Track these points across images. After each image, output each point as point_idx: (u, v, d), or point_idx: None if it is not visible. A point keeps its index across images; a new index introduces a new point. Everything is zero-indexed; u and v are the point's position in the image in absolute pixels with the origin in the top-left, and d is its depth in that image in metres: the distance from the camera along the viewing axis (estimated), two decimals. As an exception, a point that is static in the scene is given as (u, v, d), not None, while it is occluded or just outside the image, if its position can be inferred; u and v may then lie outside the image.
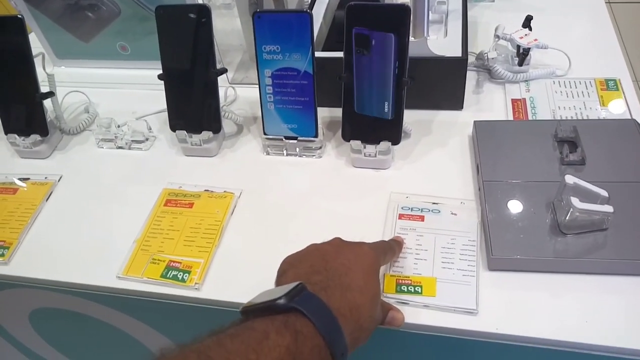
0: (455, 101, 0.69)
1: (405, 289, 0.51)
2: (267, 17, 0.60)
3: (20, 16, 0.65)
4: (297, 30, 0.59)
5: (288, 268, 0.44)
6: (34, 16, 0.82)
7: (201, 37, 0.63)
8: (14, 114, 0.71)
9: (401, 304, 0.50)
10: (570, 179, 0.51)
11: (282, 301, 0.37)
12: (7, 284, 0.61)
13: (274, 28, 0.60)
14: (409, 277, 0.52)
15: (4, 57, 0.67)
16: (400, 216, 0.58)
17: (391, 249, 0.51)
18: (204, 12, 0.62)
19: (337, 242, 0.46)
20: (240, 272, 0.55)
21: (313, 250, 0.45)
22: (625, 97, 0.68)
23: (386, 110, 0.60)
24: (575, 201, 0.49)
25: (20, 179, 0.69)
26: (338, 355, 0.37)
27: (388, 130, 0.62)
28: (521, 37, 0.70)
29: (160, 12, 0.63)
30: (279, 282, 0.43)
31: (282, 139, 0.66)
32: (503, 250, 0.51)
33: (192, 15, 0.62)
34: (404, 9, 0.56)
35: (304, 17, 0.58)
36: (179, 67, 0.65)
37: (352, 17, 0.57)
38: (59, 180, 0.69)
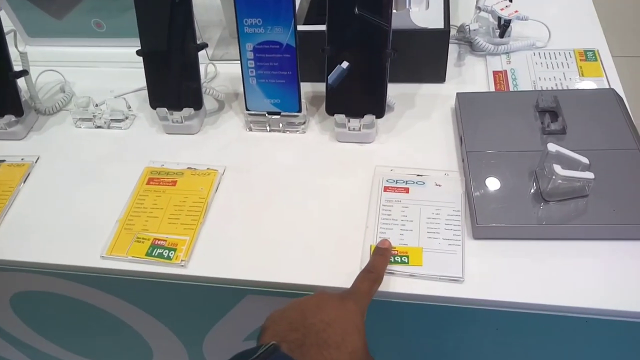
0: (437, 74, 0.69)
1: (392, 259, 0.52)
2: (247, -10, 0.58)
3: (-12, -9, 0.63)
4: (279, 3, 0.58)
5: (269, 325, 0.42)
6: (3, -8, 0.79)
7: (180, 12, 0.61)
8: (-14, 93, 0.69)
9: (388, 274, 0.51)
10: (552, 146, 0.52)
11: None
12: (-14, 268, 0.59)
13: (255, 1, 0.59)
14: (395, 248, 0.53)
15: (-27, 35, 0.65)
16: (385, 189, 0.58)
17: (376, 280, 0.48)
18: (182, -15, 0.60)
19: (320, 298, 0.44)
20: (226, 248, 0.55)
21: (295, 306, 0.43)
22: (603, 67, 0.69)
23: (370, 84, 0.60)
24: (557, 168, 0.50)
25: (-6, 161, 0.67)
26: None
27: (372, 104, 0.61)
28: (502, 9, 0.70)
29: (137, -15, 0.61)
30: (261, 339, 0.42)
31: (264, 115, 0.66)
32: (487, 218, 0.52)
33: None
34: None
35: (285, -12, 0.57)
36: (158, 43, 0.64)
37: (334, -12, 0.57)
38: (36, 162, 0.67)
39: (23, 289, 0.63)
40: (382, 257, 0.51)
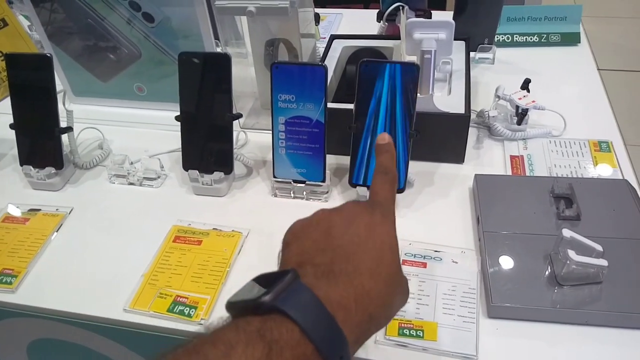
0: (456, 155, 0.73)
1: (407, 332, 0.53)
2: (284, 68, 0.64)
3: (49, 55, 0.69)
4: (312, 82, 0.63)
5: (292, 240, 0.38)
6: (56, 54, 0.86)
7: (220, 83, 0.67)
8: (32, 146, 0.73)
9: (401, 346, 0.51)
10: (567, 232, 0.53)
11: (266, 299, 0.31)
12: (11, 313, 0.61)
13: (290, 78, 0.64)
14: (411, 321, 0.54)
15: (29, 92, 0.70)
16: (404, 262, 0.60)
17: (394, 180, 0.44)
18: (225, 60, 0.66)
19: (347, 211, 0.39)
20: (246, 310, 0.56)
21: (320, 220, 0.39)
22: (617, 158, 0.71)
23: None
24: (572, 254, 0.51)
25: (31, 210, 0.71)
26: None
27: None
28: (520, 98, 0.75)
29: (183, 57, 0.67)
30: (283, 255, 0.38)
31: (290, 182, 0.69)
32: (502, 298, 0.53)
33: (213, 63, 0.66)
34: (413, 66, 0.60)
35: (319, 69, 0.62)
36: (196, 110, 0.68)
37: (365, 71, 0.62)
38: (69, 213, 0.70)
39: (43, 336, 0.64)
40: (389, 154, 0.46)
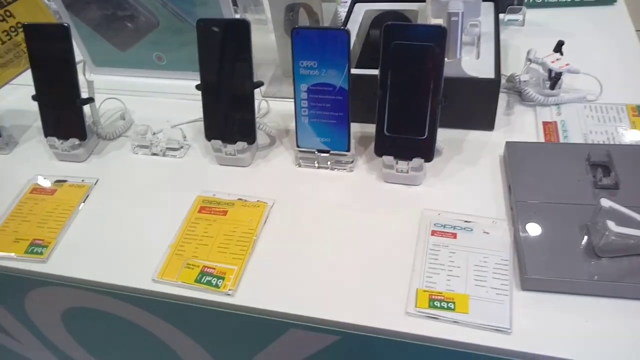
0: (486, 121, 0.70)
1: (438, 305, 0.52)
2: (305, 33, 0.61)
3: (66, 25, 0.67)
4: (334, 47, 0.61)
5: None
6: (74, 24, 0.85)
7: (240, 50, 0.65)
8: (54, 117, 0.73)
9: (432, 318, 0.51)
10: (605, 202, 0.51)
11: None
12: (44, 282, 0.62)
13: (311, 44, 0.61)
14: (441, 293, 0.53)
15: (49, 63, 0.70)
16: (433, 233, 0.58)
17: None
18: (244, 26, 0.64)
19: None
20: (273, 280, 0.56)
21: None
22: (656, 123, 0.68)
23: (421, 128, 0.61)
24: (611, 225, 0.49)
25: (58, 181, 0.71)
26: None
27: (421, 148, 0.63)
28: (553, 62, 0.71)
29: (201, 24, 0.65)
30: None
31: (314, 152, 0.67)
32: (537, 270, 0.52)
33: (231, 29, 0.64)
34: (440, 29, 0.58)
35: (342, 34, 0.60)
36: (216, 79, 0.67)
37: (390, 36, 0.59)
38: (95, 184, 0.70)
39: (75, 304, 0.65)
40: None
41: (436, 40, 0.57)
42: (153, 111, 0.82)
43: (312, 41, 0.61)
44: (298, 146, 0.68)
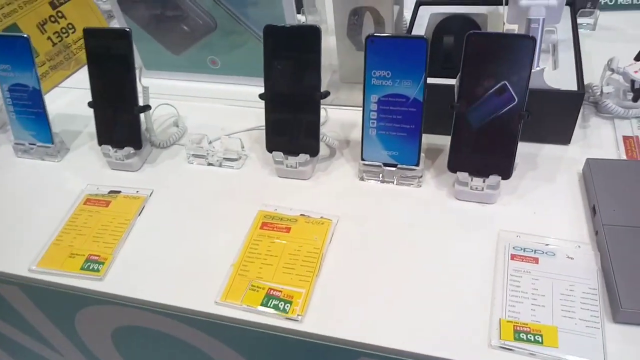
0: (563, 135, 0.66)
1: (524, 337, 0.48)
2: (381, 42, 0.58)
3: (128, 29, 0.65)
4: (412, 57, 0.57)
5: None
6: (127, 25, 0.83)
7: (308, 59, 0.61)
8: (110, 125, 0.71)
9: (519, 353, 0.47)
10: None
11: None
12: (98, 300, 0.60)
13: (386, 53, 0.58)
14: (527, 324, 0.49)
15: (108, 69, 0.68)
16: (513, 257, 0.55)
17: None
18: (314, 33, 0.60)
19: None
20: (343, 306, 0.53)
21: None
22: None
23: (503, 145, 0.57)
24: None
25: (112, 192, 0.69)
26: None
27: (498, 164, 0.59)
28: (636, 72, 0.66)
29: (268, 30, 0.62)
30: None
31: (380, 166, 0.64)
32: (634, 302, 0.48)
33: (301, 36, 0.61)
34: (529, 38, 0.54)
35: (421, 43, 0.57)
36: (282, 88, 0.64)
37: (472, 45, 0.55)
38: (150, 195, 0.68)
39: (127, 323, 0.63)
40: None
41: (523, 51, 0.53)
42: (206, 118, 0.80)
43: (387, 50, 0.58)
44: (363, 159, 0.65)
